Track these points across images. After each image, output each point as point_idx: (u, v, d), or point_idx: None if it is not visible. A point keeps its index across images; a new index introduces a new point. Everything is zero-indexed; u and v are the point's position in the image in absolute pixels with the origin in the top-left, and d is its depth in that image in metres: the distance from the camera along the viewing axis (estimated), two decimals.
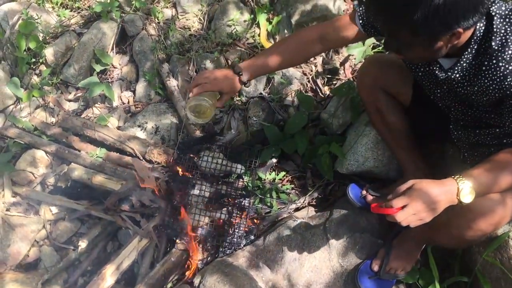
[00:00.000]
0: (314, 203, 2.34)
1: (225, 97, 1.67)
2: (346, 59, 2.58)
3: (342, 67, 2.59)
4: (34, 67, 3.02)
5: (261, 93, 2.62)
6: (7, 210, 2.51)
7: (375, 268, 1.89)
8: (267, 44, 2.75)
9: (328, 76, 2.60)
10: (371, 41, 2.40)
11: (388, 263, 1.86)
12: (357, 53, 2.40)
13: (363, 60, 2.29)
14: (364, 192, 2.02)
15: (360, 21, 1.59)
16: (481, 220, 1.40)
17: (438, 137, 2.08)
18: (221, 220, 2.25)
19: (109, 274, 2.08)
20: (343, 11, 2.65)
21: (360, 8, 1.58)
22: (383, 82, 1.87)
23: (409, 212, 1.23)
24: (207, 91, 1.59)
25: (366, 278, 1.89)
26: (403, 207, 1.24)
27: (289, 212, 2.27)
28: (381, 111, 1.92)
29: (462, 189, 1.22)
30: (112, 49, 3.05)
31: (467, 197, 1.23)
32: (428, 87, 1.56)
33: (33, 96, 2.88)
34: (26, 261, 2.40)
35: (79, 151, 2.60)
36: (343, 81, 2.49)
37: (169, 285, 2.12)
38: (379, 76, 1.88)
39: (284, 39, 1.82)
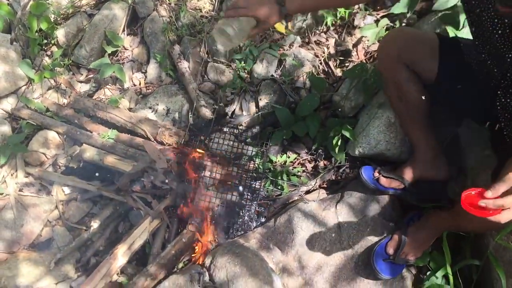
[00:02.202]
0: (325, 186, 2.33)
1: (261, 26, 1.51)
2: (359, 41, 2.54)
3: (354, 49, 2.55)
4: (45, 48, 3.02)
5: (272, 75, 2.60)
6: (20, 190, 2.54)
7: (390, 251, 1.87)
8: (279, 26, 2.71)
9: (341, 58, 2.57)
10: (384, 22, 2.37)
11: (403, 250, 1.84)
12: (370, 34, 2.36)
13: (385, 35, 2.14)
14: (376, 174, 2.01)
15: None
16: None
17: (456, 119, 2.05)
18: (232, 202, 2.25)
19: (121, 254, 2.10)
20: None
21: None
22: (408, 56, 1.79)
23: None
24: (242, 15, 1.46)
25: (381, 260, 1.88)
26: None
27: (300, 195, 2.26)
28: (400, 85, 1.85)
29: None
30: (123, 30, 3.03)
31: None
32: (492, 40, 1.45)
33: (44, 77, 2.88)
34: (39, 240, 2.43)
35: (91, 132, 2.61)
36: (355, 63, 2.46)
37: (180, 265, 2.13)
38: (404, 49, 1.79)
39: None
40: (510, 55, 1.42)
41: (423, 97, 1.86)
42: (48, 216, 2.47)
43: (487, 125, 1.82)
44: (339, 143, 2.23)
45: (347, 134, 2.18)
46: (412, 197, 2.04)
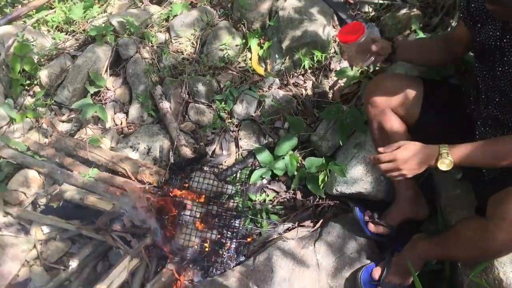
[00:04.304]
0: (304, 224, 2.33)
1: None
2: (335, 83, 2.62)
3: (331, 91, 2.63)
4: (28, 89, 3.05)
5: (252, 116, 2.66)
6: None
7: (376, 276, 1.88)
8: (258, 68, 2.80)
9: (318, 99, 2.63)
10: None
11: (387, 276, 1.85)
12: (346, 77, 2.45)
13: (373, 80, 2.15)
14: (367, 217, 2.05)
15: (461, 15, 1.65)
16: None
17: None
18: (212, 241, 2.25)
19: None
20: (332, 37, 2.71)
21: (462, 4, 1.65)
22: (393, 101, 1.88)
23: (393, 165, 1.46)
24: None
25: (367, 282, 1.89)
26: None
27: (279, 233, 2.27)
28: (383, 128, 1.93)
29: (442, 156, 1.41)
30: (106, 71, 3.09)
31: (443, 166, 1.42)
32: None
33: (26, 117, 2.90)
34: (16, 281, 2.39)
35: (72, 171, 2.61)
36: (332, 105, 2.52)
37: None
38: (390, 94, 1.88)
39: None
40: (499, 69, 1.52)
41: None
42: (26, 256, 2.44)
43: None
44: (326, 179, 2.26)
45: (334, 170, 2.21)
46: (392, 242, 2.06)
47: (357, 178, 2.18)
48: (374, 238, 2.07)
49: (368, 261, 2.02)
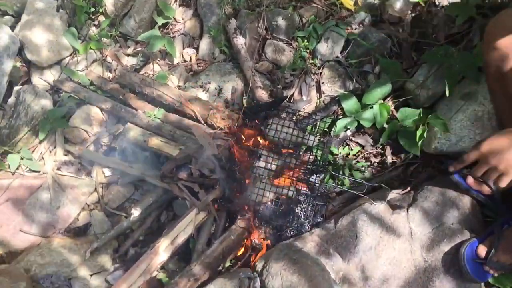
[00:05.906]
0: (394, 185, 2.12)
1: None
2: (441, 21, 2.29)
3: (435, 31, 2.31)
4: (93, 17, 2.93)
5: (337, 57, 2.45)
6: (58, 169, 2.46)
7: (482, 254, 1.70)
8: (347, 2, 2.53)
9: (418, 39, 2.34)
10: (474, 1, 2.09)
11: (496, 253, 1.66)
12: (458, 13, 2.11)
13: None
14: (466, 171, 1.80)
15: None
16: None
17: None
18: (287, 197, 2.06)
19: (163, 249, 1.95)
20: None
21: None
22: None
23: (484, 165, 1.42)
24: None
25: (470, 259, 1.72)
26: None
27: (364, 194, 2.06)
28: (506, 78, 1.65)
29: None
30: (176, 1, 2.94)
31: None
32: None
33: (90, 48, 2.80)
34: (76, 225, 2.34)
35: (136, 110, 2.51)
36: (436, 47, 2.22)
37: (227, 265, 1.99)
38: None
39: None
40: None
41: None
42: (86, 199, 2.38)
43: None
44: (425, 135, 2.03)
45: (437, 124, 1.97)
46: (496, 206, 1.88)
47: (463, 135, 1.98)
48: (473, 196, 1.89)
49: (473, 235, 1.82)
